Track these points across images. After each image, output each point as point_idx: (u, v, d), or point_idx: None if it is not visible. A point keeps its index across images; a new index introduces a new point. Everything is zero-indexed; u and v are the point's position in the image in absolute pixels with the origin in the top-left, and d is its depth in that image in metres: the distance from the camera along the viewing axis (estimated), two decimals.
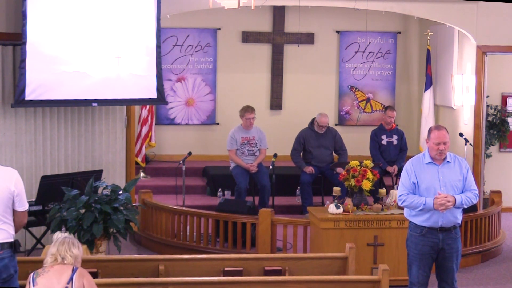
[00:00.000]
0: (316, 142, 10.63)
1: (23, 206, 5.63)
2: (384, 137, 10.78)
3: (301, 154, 10.70)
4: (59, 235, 5.76)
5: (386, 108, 11.13)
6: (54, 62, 8.57)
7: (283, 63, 12.94)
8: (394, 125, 10.88)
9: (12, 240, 5.58)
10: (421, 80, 12.87)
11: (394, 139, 10.77)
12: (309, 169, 10.47)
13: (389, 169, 10.51)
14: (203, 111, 12.82)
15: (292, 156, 10.67)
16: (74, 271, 5.24)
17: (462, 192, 6.25)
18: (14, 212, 5.60)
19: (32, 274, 5.28)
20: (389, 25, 13.04)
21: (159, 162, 12.46)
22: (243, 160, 10.27)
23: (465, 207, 6.30)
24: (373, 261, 7.82)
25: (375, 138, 10.81)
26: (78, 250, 5.31)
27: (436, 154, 6.24)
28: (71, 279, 5.19)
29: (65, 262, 5.24)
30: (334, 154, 10.88)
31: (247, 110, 10.32)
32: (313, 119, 10.77)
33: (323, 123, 10.62)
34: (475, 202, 6.35)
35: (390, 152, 10.74)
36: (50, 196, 8.05)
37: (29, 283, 5.24)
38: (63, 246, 5.32)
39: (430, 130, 6.34)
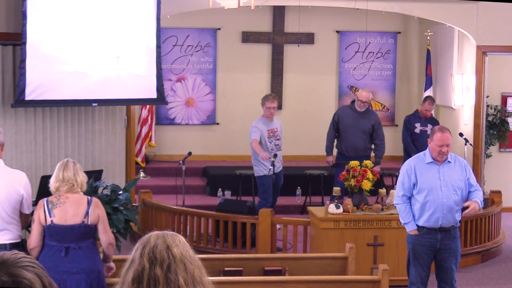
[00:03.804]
0: (352, 121, 9.66)
1: (29, 209, 5.74)
2: (418, 125, 10.30)
3: (335, 140, 9.92)
4: (64, 160, 5.55)
5: (425, 99, 10.46)
6: (54, 62, 8.57)
7: (283, 63, 12.94)
8: (430, 114, 10.42)
9: (19, 240, 5.66)
10: (421, 80, 12.87)
11: (428, 129, 10.08)
12: (330, 159, 9.82)
13: None
14: (203, 111, 12.82)
15: (326, 136, 9.87)
16: (89, 203, 5.36)
17: (469, 192, 6.38)
18: (20, 214, 5.69)
19: (45, 201, 5.39)
20: (389, 25, 13.04)
21: (159, 162, 12.46)
22: (275, 161, 9.09)
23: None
24: (373, 261, 7.82)
25: (408, 125, 10.32)
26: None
27: (438, 156, 6.28)
28: (87, 213, 5.34)
29: (81, 190, 5.42)
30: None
31: (268, 99, 9.30)
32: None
33: (363, 97, 9.62)
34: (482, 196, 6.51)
35: (423, 142, 9.78)
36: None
37: (45, 211, 5.36)
38: (74, 170, 5.46)
39: (433, 132, 6.37)
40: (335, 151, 9.98)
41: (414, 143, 10.23)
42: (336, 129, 9.82)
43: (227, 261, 6.54)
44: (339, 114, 9.83)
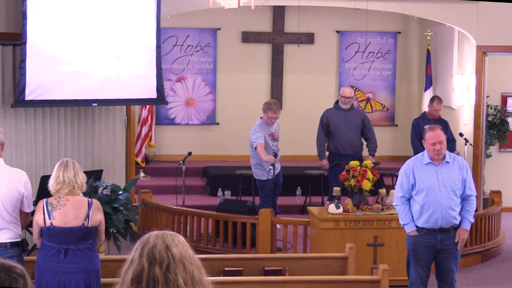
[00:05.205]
0: (342, 119, 9.69)
1: (29, 207, 5.74)
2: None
3: (326, 142, 9.81)
4: (63, 160, 5.52)
5: (432, 99, 10.19)
6: (54, 62, 8.57)
7: (283, 63, 12.94)
8: (439, 114, 10.18)
9: (20, 239, 5.68)
10: (421, 80, 12.87)
11: None
12: (324, 163, 9.77)
13: None
14: (203, 111, 12.82)
15: (316, 140, 9.80)
16: (90, 206, 5.37)
17: (462, 195, 6.37)
18: (20, 212, 5.70)
19: (44, 203, 5.40)
20: (389, 25, 13.04)
21: (159, 162, 12.47)
22: (275, 162, 9.05)
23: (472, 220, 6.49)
24: (373, 261, 7.82)
25: (417, 129, 10.00)
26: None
27: (434, 154, 6.27)
28: (87, 215, 5.35)
29: (81, 191, 5.43)
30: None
31: (271, 108, 9.15)
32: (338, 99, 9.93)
33: (346, 93, 9.72)
34: (475, 208, 6.48)
35: None
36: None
37: (44, 213, 5.37)
38: (74, 170, 5.45)
39: (424, 132, 6.38)
40: (326, 153, 9.91)
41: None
42: (326, 131, 9.79)
43: (227, 261, 6.54)
44: (327, 115, 9.80)
